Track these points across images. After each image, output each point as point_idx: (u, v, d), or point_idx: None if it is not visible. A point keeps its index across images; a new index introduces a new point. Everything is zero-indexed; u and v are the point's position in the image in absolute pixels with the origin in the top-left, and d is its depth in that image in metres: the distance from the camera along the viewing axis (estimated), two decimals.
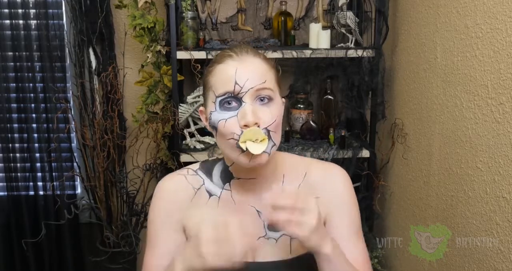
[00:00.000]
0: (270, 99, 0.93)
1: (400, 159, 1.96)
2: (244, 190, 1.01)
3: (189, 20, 2.00)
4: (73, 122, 2.17)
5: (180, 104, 2.03)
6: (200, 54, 1.95)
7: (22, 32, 2.17)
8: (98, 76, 2.18)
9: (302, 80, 2.22)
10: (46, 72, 2.20)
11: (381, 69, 2.02)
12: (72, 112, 2.23)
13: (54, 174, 2.29)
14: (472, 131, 1.41)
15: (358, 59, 2.04)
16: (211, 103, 0.95)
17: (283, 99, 1.00)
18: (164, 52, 2.02)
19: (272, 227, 0.92)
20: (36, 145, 2.28)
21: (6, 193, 2.29)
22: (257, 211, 1.01)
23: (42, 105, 2.23)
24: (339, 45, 2.04)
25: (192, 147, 2.08)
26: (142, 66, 2.06)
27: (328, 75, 2.18)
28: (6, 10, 2.16)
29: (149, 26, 1.96)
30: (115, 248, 2.14)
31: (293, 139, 2.17)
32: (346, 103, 2.21)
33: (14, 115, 2.25)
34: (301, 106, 2.17)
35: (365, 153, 2.06)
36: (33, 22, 2.17)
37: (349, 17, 1.98)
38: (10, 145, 2.26)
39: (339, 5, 1.98)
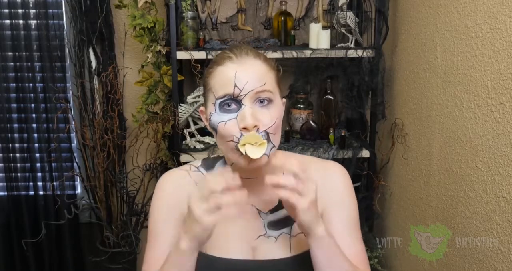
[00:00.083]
0: (269, 101, 0.93)
1: (400, 159, 1.96)
2: (245, 189, 1.02)
3: (189, 20, 2.00)
4: (73, 122, 2.17)
5: (180, 104, 2.03)
6: (200, 54, 1.95)
7: (22, 32, 2.17)
8: (98, 76, 2.18)
9: (302, 80, 2.22)
10: (46, 72, 2.20)
11: (381, 69, 2.02)
12: (72, 112, 2.23)
13: (54, 174, 2.29)
14: (472, 131, 1.41)
15: (358, 59, 2.04)
16: (211, 104, 0.95)
17: (283, 99, 1.00)
18: (164, 52, 2.02)
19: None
20: (36, 145, 2.28)
21: (6, 193, 2.30)
22: (257, 210, 1.02)
23: (42, 105, 2.24)
24: (339, 45, 2.04)
25: (192, 147, 2.08)
26: (142, 66, 2.06)
27: (328, 75, 2.18)
28: (6, 10, 2.16)
29: (149, 26, 1.96)
30: (115, 248, 2.14)
31: (293, 139, 2.17)
32: (346, 103, 2.21)
33: (14, 115, 2.26)
34: (301, 106, 2.17)
35: (365, 153, 2.06)
36: (33, 22, 2.17)
37: (349, 17, 1.98)
38: (10, 145, 2.26)
39: (339, 5, 1.98)
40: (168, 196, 1.04)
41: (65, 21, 2.22)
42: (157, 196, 1.05)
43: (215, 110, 0.94)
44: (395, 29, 2.00)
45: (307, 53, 1.98)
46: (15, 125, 2.26)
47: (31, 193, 2.31)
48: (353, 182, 1.10)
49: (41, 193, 2.31)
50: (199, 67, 1.94)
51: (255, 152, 0.89)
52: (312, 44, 2.04)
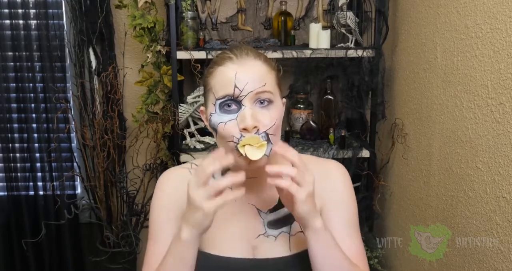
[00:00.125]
0: (270, 102, 0.93)
1: (400, 159, 1.96)
2: (245, 188, 1.02)
3: (189, 20, 2.00)
4: (73, 122, 2.17)
5: (180, 104, 2.03)
6: (200, 54, 1.95)
7: (22, 32, 2.18)
8: (98, 76, 2.18)
9: (302, 80, 2.22)
10: (46, 72, 2.20)
11: (381, 69, 2.02)
12: (72, 112, 2.23)
13: (54, 174, 2.29)
14: (472, 131, 1.41)
15: (358, 59, 2.04)
16: (211, 105, 0.95)
17: (283, 99, 1.00)
18: (164, 52, 2.02)
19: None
20: (36, 145, 2.28)
21: (6, 193, 2.30)
22: (257, 209, 1.02)
23: (42, 105, 2.24)
24: (339, 45, 2.04)
25: (192, 147, 2.08)
26: (142, 66, 2.06)
27: (328, 75, 2.18)
28: (6, 10, 2.16)
29: (149, 26, 1.97)
30: (115, 248, 2.14)
31: (293, 139, 2.17)
32: (346, 103, 2.21)
33: (14, 115, 2.26)
34: (301, 106, 2.17)
35: (365, 153, 2.06)
36: (33, 22, 2.17)
37: (349, 17, 1.98)
38: (10, 145, 2.26)
39: (339, 5, 1.98)
40: (169, 194, 1.04)
41: (65, 21, 2.22)
42: (158, 195, 1.05)
43: (215, 110, 0.94)
44: (395, 29, 2.00)
45: (307, 53, 1.98)
46: (15, 125, 2.26)
47: (31, 193, 2.31)
48: (353, 182, 1.10)
49: (41, 193, 2.31)
50: (199, 67, 1.94)
51: (255, 153, 0.89)
52: (312, 44, 2.04)
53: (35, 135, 2.27)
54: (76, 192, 2.38)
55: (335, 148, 2.05)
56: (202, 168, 0.83)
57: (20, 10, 2.15)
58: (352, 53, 1.99)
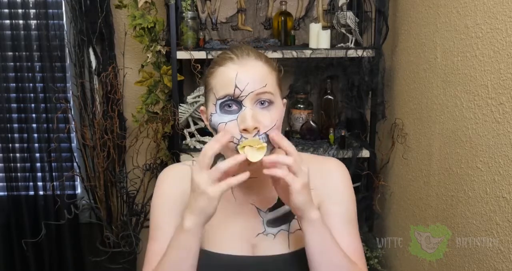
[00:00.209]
0: (270, 102, 0.93)
1: (400, 159, 1.96)
2: (245, 188, 1.02)
3: (189, 20, 2.00)
4: (73, 122, 2.17)
5: (180, 104, 2.04)
6: (200, 54, 1.95)
7: (22, 32, 2.18)
8: (98, 76, 2.18)
9: (302, 80, 2.22)
10: (46, 72, 2.20)
11: (381, 69, 2.02)
12: (72, 112, 2.23)
13: (54, 174, 2.29)
14: (472, 131, 1.41)
15: (358, 59, 2.04)
16: (212, 105, 0.95)
17: (283, 100, 1.00)
18: (164, 52, 2.02)
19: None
20: (36, 145, 2.28)
21: (6, 193, 2.30)
22: (257, 208, 1.02)
23: (42, 105, 2.24)
24: (339, 45, 2.04)
25: (192, 147, 2.08)
26: (142, 66, 2.06)
27: (328, 75, 2.18)
28: (6, 10, 2.16)
29: (149, 26, 1.97)
30: (115, 248, 2.14)
31: (293, 139, 2.17)
32: (346, 103, 2.21)
33: (14, 115, 2.26)
34: (301, 106, 2.17)
35: (365, 153, 2.06)
36: (33, 22, 2.17)
37: (349, 17, 1.98)
38: (10, 145, 2.26)
39: (339, 5, 1.98)
40: (168, 193, 1.04)
41: (65, 21, 2.22)
42: (157, 194, 1.05)
43: (216, 110, 0.94)
44: (395, 29, 2.00)
45: (307, 53, 1.98)
46: (15, 125, 2.26)
47: (31, 193, 2.31)
48: (353, 182, 1.10)
49: (41, 193, 2.31)
50: (199, 67, 1.94)
51: (255, 154, 0.89)
52: (312, 44, 2.04)
53: (35, 135, 2.28)
54: (76, 192, 2.38)
55: (335, 148, 2.06)
56: (203, 151, 0.85)
57: (20, 10, 2.15)
58: (352, 53, 1.99)
